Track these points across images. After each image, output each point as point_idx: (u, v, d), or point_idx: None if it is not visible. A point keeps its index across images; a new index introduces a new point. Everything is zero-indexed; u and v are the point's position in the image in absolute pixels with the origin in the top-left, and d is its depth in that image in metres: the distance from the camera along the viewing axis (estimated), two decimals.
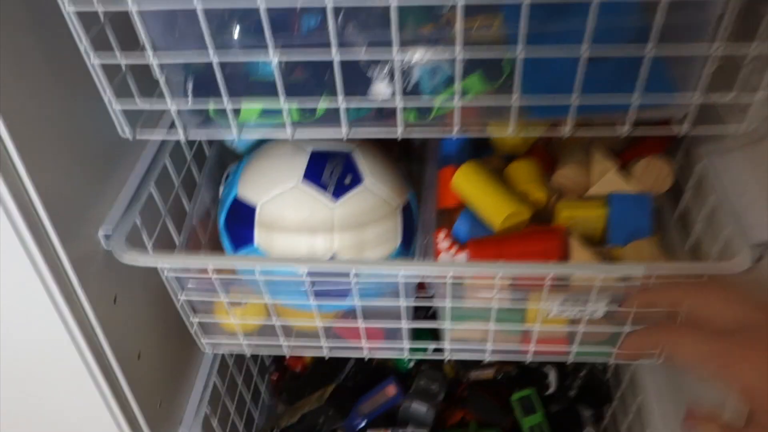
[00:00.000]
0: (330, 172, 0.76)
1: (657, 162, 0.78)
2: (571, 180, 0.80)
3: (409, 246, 0.81)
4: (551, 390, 1.15)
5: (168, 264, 0.71)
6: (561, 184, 0.81)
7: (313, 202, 0.75)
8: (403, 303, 0.75)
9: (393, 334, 0.84)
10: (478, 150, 0.90)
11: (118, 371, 0.77)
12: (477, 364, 1.21)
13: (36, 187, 0.61)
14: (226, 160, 0.94)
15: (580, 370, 1.15)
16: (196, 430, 0.96)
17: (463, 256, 0.78)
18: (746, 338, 0.50)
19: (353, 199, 0.76)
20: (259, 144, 0.84)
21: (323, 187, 0.75)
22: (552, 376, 1.15)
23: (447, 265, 0.68)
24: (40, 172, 0.61)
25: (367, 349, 0.84)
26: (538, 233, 0.77)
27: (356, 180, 0.77)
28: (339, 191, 0.75)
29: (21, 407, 0.81)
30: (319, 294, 0.75)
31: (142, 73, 0.62)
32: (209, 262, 0.70)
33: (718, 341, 0.51)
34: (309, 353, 0.87)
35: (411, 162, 0.97)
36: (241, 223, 0.77)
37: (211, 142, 0.93)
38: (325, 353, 0.85)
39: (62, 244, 0.65)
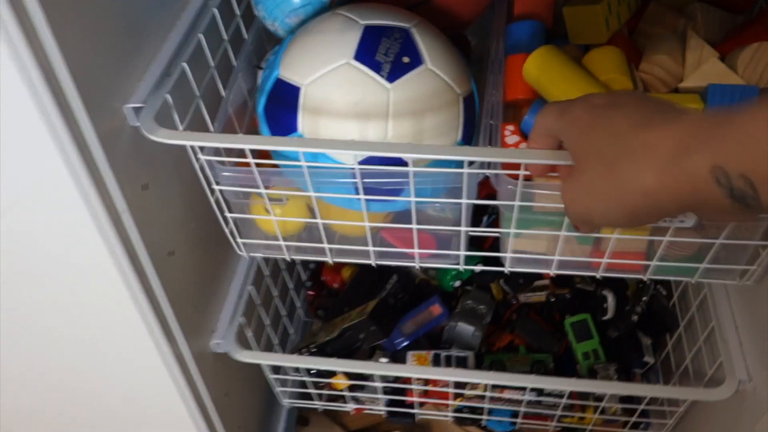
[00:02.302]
0: (386, 49, 0.66)
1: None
2: (662, 69, 0.69)
3: (469, 142, 0.71)
4: (609, 315, 1.07)
5: (201, 143, 0.62)
6: (649, 74, 0.70)
7: (366, 83, 0.65)
8: (465, 201, 0.66)
9: (446, 242, 0.76)
10: (551, 40, 0.79)
11: (150, 267, 0.70)
12: (527, 286, 1.12)
13: (62, 48, 0.52)
14: (266, 47, 0.85)
15: (642, 294, 1.05)
16: (230, 340, 0.90)
17: None
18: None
19: (412, 82, 0.66)
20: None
21: (378, 66, 0.65)
22: (610, 301, 1.06)
23: (525, 152, 0.58)
24: (65, 33, 0.53)
25: (418, 256, 0.76)
26: None
27: (416, 60, 0.67)
28: (396, 72, 0.66)
29: (44, 305, 0.75)
30: (369, 189, 0.66)
31: None
32: (247, 142, 0.61)
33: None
34: (354, 259, 0.78)
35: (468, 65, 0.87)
36: (283, 107, 0.67)
37: (249, 25, 0.83)
38: (372, 260, 0.77)
39: (90, 116, 0.57)
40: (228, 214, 0.73)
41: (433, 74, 0.67)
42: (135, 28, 0.65)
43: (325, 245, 0.76)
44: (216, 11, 0.75)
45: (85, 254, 0.66)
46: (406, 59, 0.66)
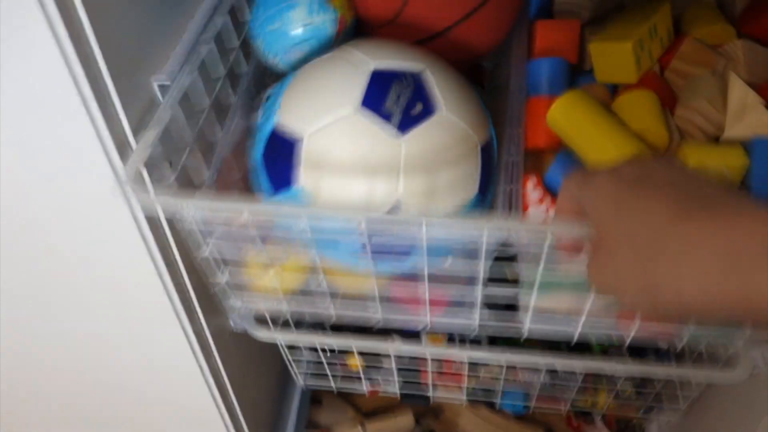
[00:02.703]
0: (396, 97, 0.60)
1: None
2: (701, 116, 0.63)
3: (485, 194, 0.65)
4: None
5: (193, 207, 0.56)
6: (687, 122, 0.64)
7: (375, 135, 0.59)
8: (483, 267, 0.60)
9: (460, 303, 0.69)
10: (575, 77, 0.72)
11: (173, 242, 0.68)
12: None
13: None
14: (265, 82, 0.78)
15: None
16: (248, 318, 0.86)
17: None
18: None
19: (426, 132, 0.59)
20: (307, 62, 0.68)
21: (387, 114, 0.59)
22: None
23: (547, 225, 0.52)
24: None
25: (429, 321, 0.70)
26: None
27: (428, 108, 0.60)
28: (408, 121, 0.59)
29: (71, 282, 0.74)
30: (376, 251, 0.60)
31: None
32: (245, 207, 0.55)
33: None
34: (358, 317, 0.72)
35: (482, 94, 0.81)
36: (281, 159, 0.61)
37: (247, 57, 0.76)
38: (380, 323, 0.71)
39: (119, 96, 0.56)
40: (219, 278, 0.67)
41: (449, 122, 0.60)
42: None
43: (330, 309, 0.70)
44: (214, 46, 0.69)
45: (115, 229, 0.65)
46: (417, 108, 0.60)
